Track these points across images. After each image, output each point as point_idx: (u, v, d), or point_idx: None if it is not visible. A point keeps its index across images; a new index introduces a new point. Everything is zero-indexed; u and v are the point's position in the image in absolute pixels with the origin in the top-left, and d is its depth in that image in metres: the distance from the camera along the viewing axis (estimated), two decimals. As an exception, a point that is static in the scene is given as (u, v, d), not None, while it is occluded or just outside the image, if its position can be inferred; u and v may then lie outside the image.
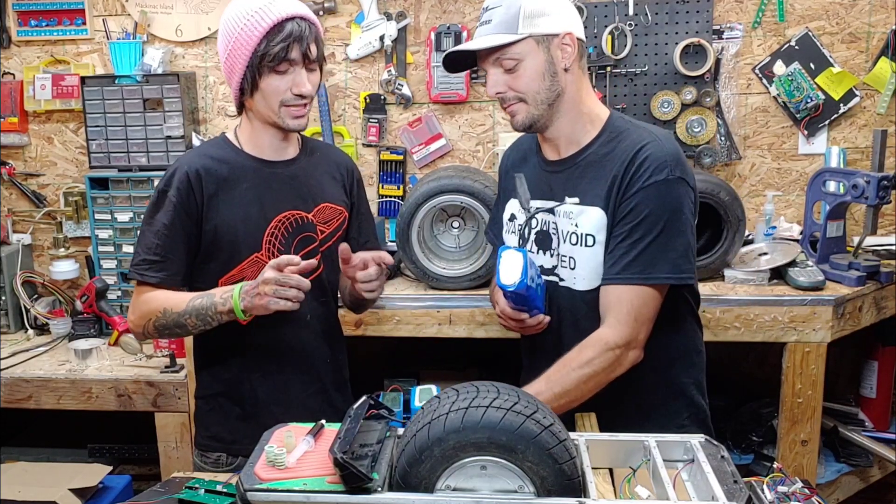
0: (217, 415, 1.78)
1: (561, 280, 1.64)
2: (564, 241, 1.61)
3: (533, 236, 1.67)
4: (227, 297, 1.58)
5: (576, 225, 1.59)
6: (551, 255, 1.64)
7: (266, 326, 1.69)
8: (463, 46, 1.61)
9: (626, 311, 1.51)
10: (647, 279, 1.51)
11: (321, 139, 2.72)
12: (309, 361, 1.78)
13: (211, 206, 1.67)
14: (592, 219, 1.57)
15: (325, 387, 1.81)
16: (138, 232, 1.71)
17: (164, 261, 1.66)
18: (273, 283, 1.52)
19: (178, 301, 1.63)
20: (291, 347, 1.75)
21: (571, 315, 1.64)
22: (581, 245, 1.58)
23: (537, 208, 1.65)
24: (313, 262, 1.56)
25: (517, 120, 1.60)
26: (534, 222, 1.66)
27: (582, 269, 1.59)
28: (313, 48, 1.61)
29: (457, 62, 1.65)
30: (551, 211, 1.63)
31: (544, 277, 1.65)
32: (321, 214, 1.77)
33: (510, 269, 1.50)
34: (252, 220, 1.68)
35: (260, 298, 1.54)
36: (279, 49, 1.57)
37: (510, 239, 1.73)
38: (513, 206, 1.72)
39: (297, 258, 1.55)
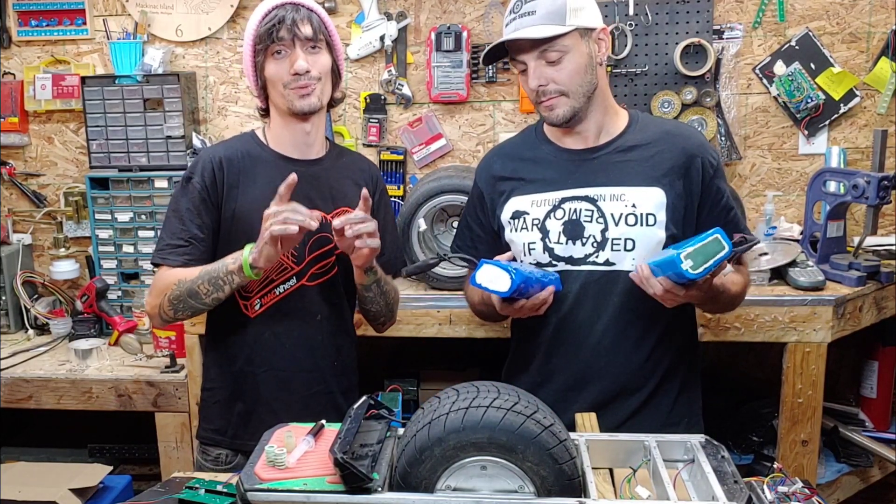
0: (220, 408, 1.79)
1: (609, 265, 1.63)
2: (617, 223, 1.62)
3: (559, 227, 1.65)
4: (238, 255, 1.61)
5: (633, 205, 1.61)
6: (583, 244, 1.64)
7: (274, 321, 1.70)
8: (518, 34, 1.56)
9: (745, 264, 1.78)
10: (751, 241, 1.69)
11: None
12: (315, 362, 1.78)
13: (230, 196, 1.70)
14: (651, 198, 1.61)
15: (330, 389, 1.81)
16: (164, 218, 1.75)
17: (188, 245, 1.69)
18: (272, 216, 1.53)
19: (191, 272, 1.66)
20: (298, 345, 1.75)
21: (621, 299, 1.64)
22: (641, 225, 1.61)
23: (563, 198, 1.65)
24: (294, 176, 1.55)
25: (557, 113, 1.60)
26: (559, 213, 1.65)
27: (642, 249, 1.61)
28: (305, 28, 1.64)
29: (490, 52, 1.66)
30: (587, 198, 1.64)
31: (571, 268, 1.66)
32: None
33: (496, 279, 1.50)
34: None
35: (260, 238, 1.55)
36: (265, 30, 1.63)
37: (518, 237, 1.70)
38: (516, 203, 1.70)
39: (293, 175, 1.55)
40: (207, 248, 1.72)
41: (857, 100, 2.61)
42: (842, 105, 2.61)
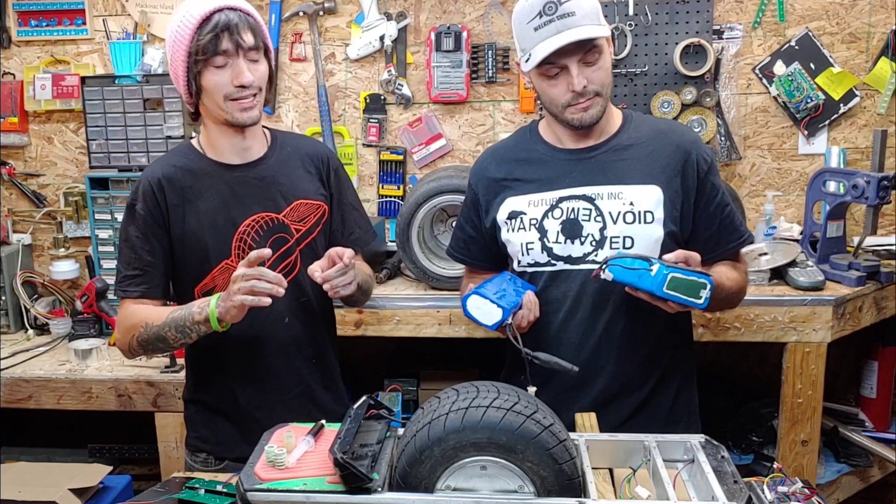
0: (203, 417, 1.78)
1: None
2: (616, 221, 1.62)
3: (558, 227, 1.65)
4: (204, 305, 1.56)
5: (630, 203, 1.62)
6: (582, 243, 1.64)
7: (242, 332, 1.65)
8: (580, 35, 1.52)
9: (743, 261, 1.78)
10: (747, 238, 1.73)
11: (321, 139, 2.73)
12: (289, 364, 1.75)
13: (176, 216, 1.65)
14: (649, 196, 1.62)
15: (310, 388, 1.78)
16: (118, 249, 1.70)
17: (143, 273, 1.65)
18: (240, 279, 1.49)
19: (158, 315, 1.62)
20: (271, 352, 1.72)
21: (621, 297, 1.63)
22: (640, 223, 1.61)
23: (560, 198, 1.65)
24: (268, 251, 1.51)
25: (591, 114, 1.60)
26: (557, 212, 1.66)
27: (640, 247, 1.61)
28: (247, 37, 1.56)
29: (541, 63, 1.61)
30: (584, 197, 1.64)
31: (570, 267, 1.66)
32: (294, 213, 1.72)
33: (486, 312, 1.58)
34: (219, 228, 1.65)
35: (228, 298, 1.51)
36: (207, 41, 1.53)
37: (516, 237, 1.70)
38: (512, 204, 1.70)
39: (266, 251, 1.51)
40: (164, 273, 1.68)
41: (856, 100, 2.61)
42: (841, 105, 2.61)
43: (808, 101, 2.59)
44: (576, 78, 1.56)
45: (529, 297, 1.63)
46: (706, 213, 1.67)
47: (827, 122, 2.63)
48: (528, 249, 1.68)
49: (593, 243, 1.63)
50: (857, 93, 2.60)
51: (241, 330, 1.64)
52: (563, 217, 1.65)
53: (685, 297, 1.44)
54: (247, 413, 1.73)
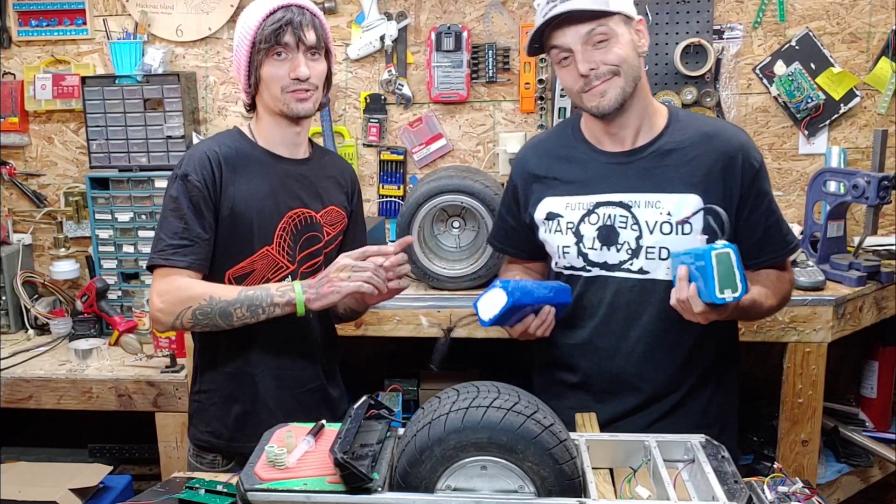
0: (218, 410, 1.78)
1: (643, 273, 1.61)
2: (652, 231, 1.59)
3: (594, 233, 1.63)
4: (286, 289, 1.60)
5: (668, 213, 1.58)
6: (618, 250, 1.62)
7: (271, 321, 1.67)
8: (568, 6, 1.49)
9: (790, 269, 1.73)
10: (794, 247, 1.68)
11: (321, 139, 2.73)
12: (310, 357, 1.79)
13: (227, 194, 1.66)
14: (687, 206, 1.57)
15: (322, 381, 1.82)
16: (160, 218, 1.67)
17: (193, 244, 1.64)
18: (349, 269, 1.57)
19: (226, 290, 1.62)
20: (295, 343, 1.75)
21: (656, 308, 1.61)
22: (676, 233, 1.58)
23: (597, 203, 1.63)
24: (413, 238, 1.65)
25: (609, 97, 1.54)
26: (593, 218, 1.63)
27: None
28: (310, 34, 1.63)
29: (534, 37, 1.58)
30: (621, 204, 1.61)
31: (606, 273, 1.64)
32: (328, 216, 1.78)
33: (490, 306, 1.53)
34: (266, 213, 1.69)
35: (330, 285, 1.57)
36: (270, 32, 1.60)
37: (553, 238, 1.68)
38: (550, 204, 1.68)
39: (389, 248, 1.61)
40: (210, 248, 1.67)
41: (857, 100, 2.61)
42: (842, 105, 2.61)
43: (809, 101, 2.59)
44: (579, 62, 1.53)
45: (547, 311, 1.59)
46: (750, 221, 1.60)
47: (827, 122, 2.63)
48: (564, 253, 1.67)
49: (629, 251, 1.61)
50: (857, 93, 2.60)
51: (271, 323, 1.65)
52: (600, 223, 1.62)
53: (714, 279, 1.37)
54: (264, 403, 1.75)
